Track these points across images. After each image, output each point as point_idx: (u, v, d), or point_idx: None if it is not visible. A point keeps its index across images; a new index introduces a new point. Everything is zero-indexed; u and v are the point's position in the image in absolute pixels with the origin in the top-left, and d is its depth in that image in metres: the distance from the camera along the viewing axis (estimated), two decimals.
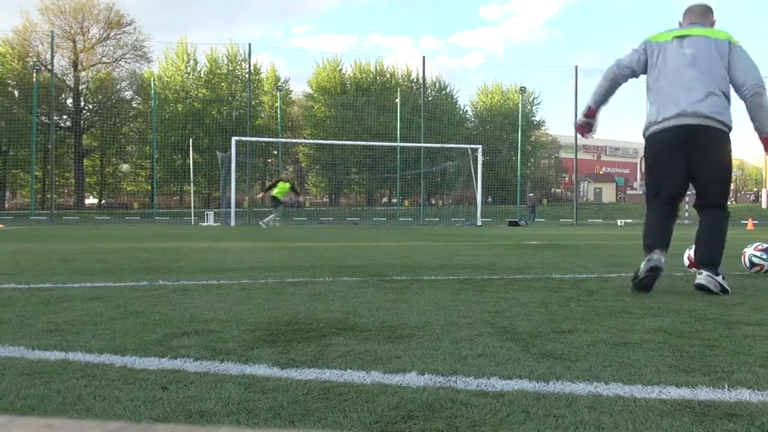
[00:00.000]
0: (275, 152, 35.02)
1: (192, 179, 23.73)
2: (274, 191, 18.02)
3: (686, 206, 24.73)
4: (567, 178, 53.18)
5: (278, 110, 31.68)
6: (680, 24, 3.83)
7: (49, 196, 28.80)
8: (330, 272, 4.48)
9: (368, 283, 3.84)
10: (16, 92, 33.28)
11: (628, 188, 58.22)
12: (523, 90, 31.45)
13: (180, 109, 35.73)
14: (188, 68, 37.51)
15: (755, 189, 53.62)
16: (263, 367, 1.76)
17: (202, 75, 37.47)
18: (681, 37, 3.63)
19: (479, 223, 22.45)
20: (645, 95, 3.81)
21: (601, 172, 62.06)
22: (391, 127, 32.44)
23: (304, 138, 37.43)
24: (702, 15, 3.75)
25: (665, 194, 3.66)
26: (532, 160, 44.38)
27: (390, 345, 2.06)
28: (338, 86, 39.33)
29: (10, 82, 33.61)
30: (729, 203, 3.71)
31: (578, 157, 29.57)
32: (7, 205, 36.22)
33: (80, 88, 37.35)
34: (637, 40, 3.87)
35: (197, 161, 28.66)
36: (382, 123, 34.94)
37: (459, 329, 2.35)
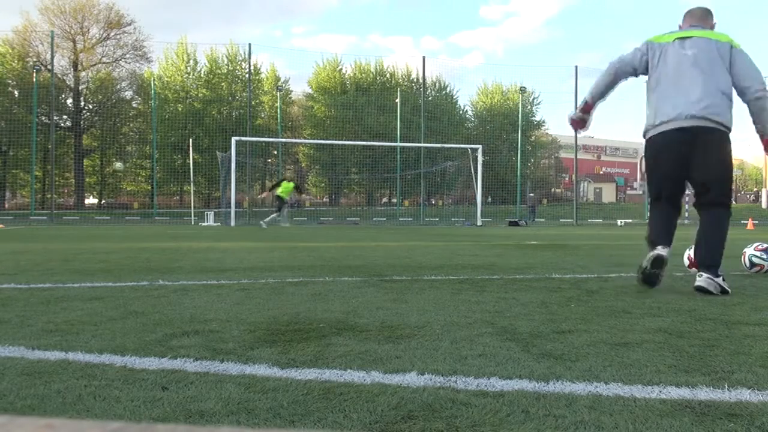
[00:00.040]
0: (275, 152, 35.02)
1: (192, 179, 23.74)
2: (278, 190, 17.99)
3: (686, 206, 24.75)
4: (567, 178, 53.18)
5: (278, 110, 31.68)
6: (680, 27, 3.84)
7: (49, 196, 28.80)
8: (330, 272, 4.48)
9: (368, 283, 3.84)
10: (16, 92, 33.28)
11: (628, 188, 58.22)
12: (523, 90, 31.46)
13: (180, 109, 35.73)
14: (188, 68, 37.51)
15: (755, 189, 53.64)
16: (263, 367, 1.76)
17: (202, 75, 37.47)
18: (682, 39, 3.65)
19: (479, 223, 22.46)
20: (645, 95, 3.83)
21: (601, 172, 62.07)
22: (391, 127, 32.45)
23: (304, 138, 37.44)
24: (702, 18, 3.78)
25: (666, 194, 3.72)
26: (532, 160, 44.38)
27: (390, 345, 2.06)
28: (338, 86, 39.33)
29: (10, 82, 33.61)
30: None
31: (578, 157, 29.58)
32: (7, 205, 36.22)
33: (80, 88, 37.36)
34: (637, 40, 3.90)
35: (197, 161, 28.67)
36: (382, 123, 34.95)
37: (459, 329, 2.35)
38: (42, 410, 1.39)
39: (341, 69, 40.51)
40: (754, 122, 3.61)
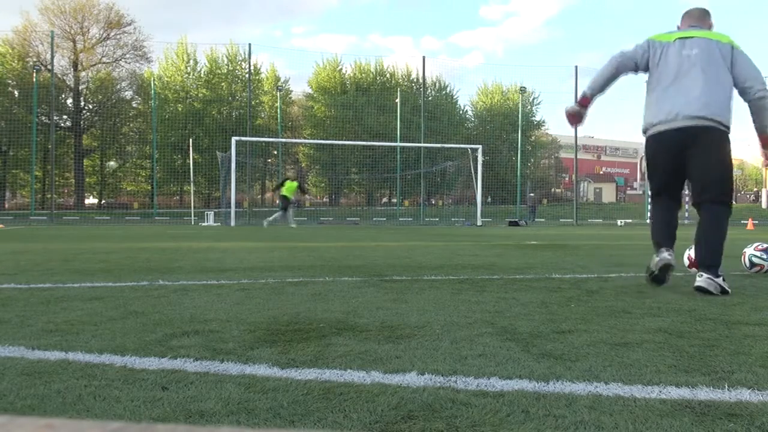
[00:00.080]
0: (275, 152, 35.02)
1: (192, 179, 23.74)
2: (283, 190, 17.98)
3: (686, 206, 24.74)
4: (567, 178, 53.19)
5: (278, 110, 31.68)
6: (678, 27, 3.89)
7: (49, 196, 28.80)
8: (330, 272, 4.48)
9: (368, 283, 3.84)
10: (16, 92, 33.28)
11: (628, 188, 58.23)
12: (523, 90, 31.46)
13: (180, 109, 35.74)
14: (188, 68, 37.52)
15: (755, 189, 53.64)
16: (263, 367, 1.76)
17: (202, 75, 37.47)
18: (683, 39, 3.69)
19: (479, 223, 22.46)
20: (645, 94, 3.85)
21: (601, 172, 62.07)
22: (391, 127, 32.45)
23: (304, 138, 37.44)
24: (700, 18, 3.84)
25: (666, 190, 3.83)
26: (532, 160, 44.38)
27: (390, 345, 2.06)
28: (338, 86, 39.33)
29: (10, 82, 33.61)
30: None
31: (578, 157, 29.58)
32: (7, 205, 36.22)
33: (80, 88, 37.36)
34: (637, 40, 3.91)
35: (197, 161, 28.68)
36: (382, 123, 34.95)
37: (459, 329, 2.35)
38: (42, 410, 1.39)
39: (341, 69, 40.52)
40: (754, 121, 3.67)
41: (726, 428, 1.30)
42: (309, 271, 4.61)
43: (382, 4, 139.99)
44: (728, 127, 3.58)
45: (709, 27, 3.82)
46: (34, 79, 26.54)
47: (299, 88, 60.52)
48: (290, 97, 40.24)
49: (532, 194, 31.42)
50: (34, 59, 33.62)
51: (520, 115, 31.26)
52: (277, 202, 18.42)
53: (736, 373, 1.72)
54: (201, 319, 2.54)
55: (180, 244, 8.49)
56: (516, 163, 32.29)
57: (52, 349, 1.96)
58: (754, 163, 60.43)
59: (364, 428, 1.28)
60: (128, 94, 38.58)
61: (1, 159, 32.71)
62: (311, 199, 40.95)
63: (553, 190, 48.28)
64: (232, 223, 19.83)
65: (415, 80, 40.01)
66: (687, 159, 3.61)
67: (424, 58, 28.95)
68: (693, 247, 4.28)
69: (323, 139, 33.95)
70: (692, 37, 3.67)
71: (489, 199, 33.67)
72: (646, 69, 3.80)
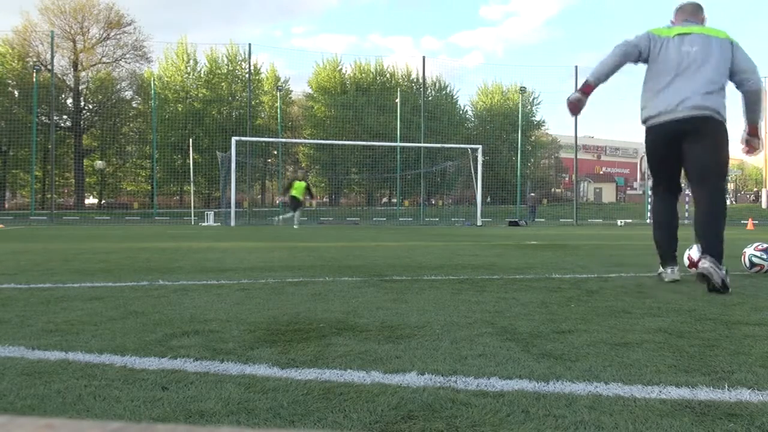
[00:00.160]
0: (275, 152, 35.02)
1: (192, 179, 23.73)
2: (291, 191, 17.98)
3: (686, 206, 24.73)
4: (567, 178, 53.18)
5: (278, 110, 31.68)
6: (672, 22, 4.04)
7: (49, 196, 28.80)
8: (330, 272, 4.48)
9: (368, 283, 3.84)
10: (16, 92, 33.28)
11: (628, 188, 58.22)
12: (523, 90, 31.45)
13: (180, 109, 35.74)
14: (188, 68, 37.52)
15: (755, 189, 53.62)
16: (263, 367, 1.76)
17: (202, 75, 37.47)
18: (682, 35, 3.82)
19: (479, 223, 22.45)
20: (642, 86, 3.98)
21: (601, 172, 62.06)
22: (391, 127, 32.45)
23: (304, 138, 37.44)
24: (693, 13, 3.97)
25: (666, 180, 4.04)
26: (532, 160, 44.38)
27: (390, 345, 2.06)
28: (338, 86, 39.33)
29: (10, 82, 33.61)
30: (729, 203, 3.85)
31: (578, 157, 29.56)
32: (7, 205, 36.22)
33: (80, 88, 37.36)
34: None
35: (197, 161, 28.67)
36: (382, 123, 34.95)
37: (459, 329, 2.35)
38: (42, 410, 1.39)
39: (341, 69, 40.52)
40: (747, 111, 3.88)
41: (726, 428, 1.30)
42: (309, 271, 4.61)
43: (382, 4, 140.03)
44: (724, 118, 3.75)
45: (702, 21, 3.96)
46: (34, 79, 26.54)
47: (299, 88, 60.60)
48: (290, 97, 40.24)
49: (532, 194, 31.43)
50: (34, 59, 33.62)
51: (520, 115, 31.26)
52: (277, 202, 18.37)
53: (736, 373, 1.72)
54: (201, 319, 2.54)
55: (180, 244, 8.49)
56: (516, 163, 32.28)
57: (52, 349, 1.96)
58: (754, 163, 60.43)
59: (364, 428, 1.28)
60: (128, 94, 38.62)
61: (1, 159, 32.71)
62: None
63: (553, 190, 48.28)
64: (232, 223, 19.83)
65: (415, 80, 40.02)
66: (686, 147, 3.77)
67: (424, 58, 28.97)
68: (692, 247, 4.39)
69: (323, 139, 33.94)
70: (691, 33, 3.79)
71: (489, 199, 33.66)
72: (646, 60, 3.92)
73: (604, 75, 3.93)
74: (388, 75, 41.14)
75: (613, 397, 1.49)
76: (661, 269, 4.12)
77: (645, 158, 4.20)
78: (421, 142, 27.61)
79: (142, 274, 4.32)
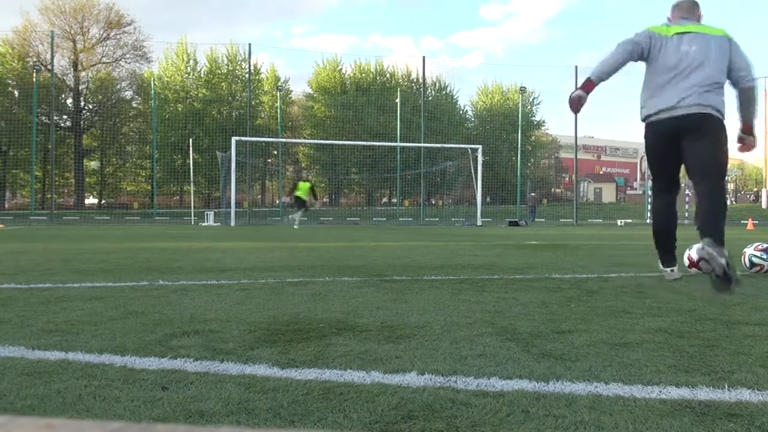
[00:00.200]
0: (275, 152, 35.02)
1: (192, 179, 23.73)
2: (297, 192, 17.99)
3: (686, 206, 24.72)
4: (567, 178, 53.17)
5: (278, 110, 31.68)
6: (669, 19, 4.10)
7: (49, 196, 28.80)
8: (330, 272, 4.48)
9: (368, 283, 3.84)
10: (16, 92, 33.27)
11: (628, 188, 58.20)
12: (523, 90, 31.44)
13: (180, 109, 35.73)
14: (188, 68, 37.50)
15: (755, 189, 53.61)
16: (263, 367, 1.76)
17: (202, 75, 37.45)
18: (681, 34, 3.87)
19: (479, 223, 22.45)
20: (642, 85, 4.00)
21: (601, 172, 62.04)
22: (391, 127, 32.44)
23: (304, 138, 37.43)
24: (689, 10, 4.01)
25: (666, 177, 4.08)
26: (532, 160, 44.37)
27: (390, 345, 2.06)
28: (338, 86, 39.31)
29: (10, 82, 33.60)
30: (729, 203, 3.87)
31: (578, 157, 29.57)
32: (7, 205, 36.21)
33: (80, 88, 37.35)
34: None
35: (197, 161, 28.67)
36: (382, 123, 34.93)
37: (459, 329, 2.35)
38: (42, 410, 1.39)
39: (341, 69, 40.51)
40: (741, 108, 3.91)
41: (726, 428, 1.30)
42: (309, 271, 4.61)
43: (382, 4, 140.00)
44: (724, 115, 3.80)
45: (698, 18, 4.00)
46: (34, 79, 26.54)
47: (299, 88, 60.55)
48: (290, 97, 40.22)
49: (532, 194, 31.41)
50: (34, 59, 33.61)
51: (520, 115, 31.25)
52: (277, 202, 18.38)
53: (736, 373, 1.72)
54: (201, 319, 2.54)
55: (180, 244, 8.49)
56: (516, 163, 32.27)
57: (52, 349, 1.96)
58: (754, 163, 60.45)
59: (364, 428, 1.28)
60: (128, 94, 38.61)
61: (1, 159, 32.70)
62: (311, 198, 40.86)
63: (553, 190, 48.26)
64: (232, 223, 19.83)
65: (415, 80, 40.00)
66: (685, 145, 3.80)
67: (424, 58, 28.98)
68: (692, 247, 4.43)
69: (323, 139, 33.93)
70: (690, 32, 3.83)
71: (488, 199, 33.66)
72: (646, 59, 3.96)
73: (606, 73, 3.94)
74: (388, 75, 41.13)
75: (613, 397, 1.49)
76: (661, 267, 4.17)
77: (645, 157, 4.23)
78: (421, 142, 27.61)
79: (142, 274, 4.32)
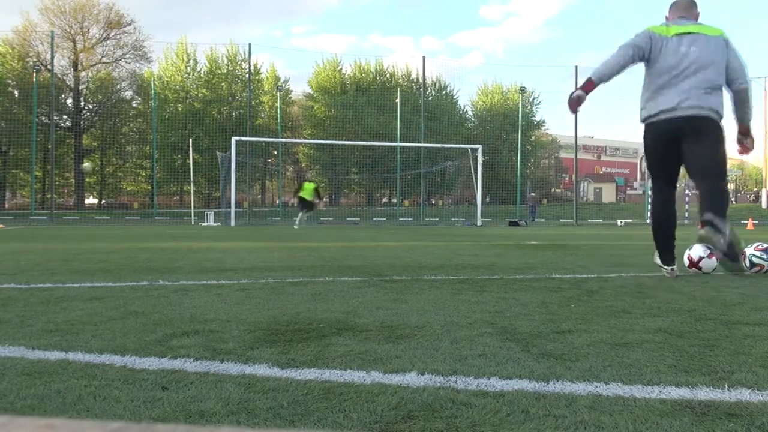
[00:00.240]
0: (275, 152, 35.02)
1: (192, 179, 23.73)
2: (301, 192, 17.98)
3: (686, 206, 24.72)
4: (567, 178, 53.18)
5: (278, 110, 31.69)
6: (667, 18, 4.13)
7: (49, 196, 28.80)
8: (330, 272, 4.48)
9: (368, 283, 3.84)
10: (16, 92, 33.27)
11: (628, 188, 58.19)
12: (523, 90, 31.45)
13: (180, 109, 35.73)
14: (188, 68, 37.51)
15: (755, 189, 53.60)
16: (263, 367, 1.76)
17: (202, 75, 37.46)
18: (681, 35, 3.90)
19: (479, 223, 22.45)
20: (642, 85, 4.01)
21: (601, 172, 62.04)
22: (391, 127, 32.44)
23: (304, 138, 37.43)
24: (687, 8, 4.05)
25: (665, 177, 4.12)
26: (532, 160, 44.37)
27: (390, 345, 2.06)
28: (338, 86, 39.32)
29: (10, 82, 33.60)
30: (730, 202, 3.91)
31: (578, 157, 29.57)
32: (7, 205, 36.21)
33: (80, 88, 37.36)
34: None
35: (197, 161, 28.66)
36: (382, 123, 34.94)
37: (459, 329, 2.35)
38: (42, 410, 1.39)
39: (341, 69, 40.51)
40: (736, 110, 3.96)
41: (726, 428, 1.30)
42: (309, 271, 4.61)
43: (382, 4, 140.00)
44: (722, 116, 3.86)
45: (696, 17, 4.04)
46: (34, 79, 26.54)
47: (299, 88, 60.55)
48: (290, 97, 40.23)
49: (532, 194, 31.41)
50: (34, 59, 33.62)
51: (520, 115, 31.25)
52: (276, 202, 18.39)
53: (736, 373, 1.72)
54: (201, 319, 2.54)
55: (180, 244, 8.49)
56: (516, 163, 32.27)
57: (52, 349, 1.96)
58: (754, 163, 60.45)
59: (364, 428, 1.28)
60: (128, 94, 38.63)
61: (1, 159, 32.70)
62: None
63: (553, 190, 48.26)
64: (232, 223, 19.83)
65: (415, 80, 40.00)
66: (685, 147, 3.84)
67: (424, 58, 28.98)
68: (692, 247, 4.45)
69: (323, 139, 33.94)
70: (690, 33, 3.86)
71: (488, 199, 33.65)
72: (647, 60, 3.99)
73: (607, 75, 3.96)
74: (388, 75, 41.13)
75: (613, 397, 1.49)
76: (658, 262, 4.24)
77: (644, 158, 4.27)
78: (421, 142, 27.61)
79: (142, 274, 4.32)
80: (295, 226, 17.17)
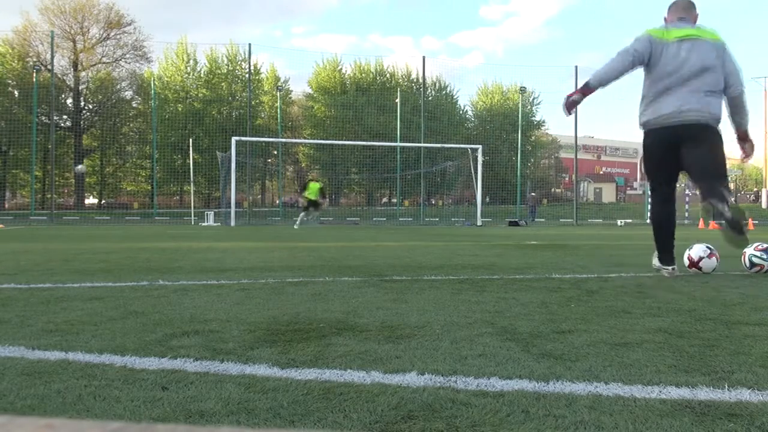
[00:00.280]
0: (275, 152, 35.02)
1: (192, 179, 23.73)
2: (307, 192, 17.96)
3: (686, 206, 24.72)
4: (567, 178, 53.17)
5: (278, 110, 31.68)
6: (665, 19, 4.11)
7: (49, 196, 28.80)
8: (330, 272, 4.48)
9: (368, 283, 3.84)
10: (16, 92, 33.27)
11: (628, 188, 58.20)
12: (523, 90, 31.44)
13: (180, 109, 35.73)
14: (188, 68, 37.51)
15: (755, 189, 53.60)
16: (263, 367, 1.76)
17: (202, 75, 37.47)
18: (680, 40, 3.92)
19: (479, 223, 22.45)
20: (642, 90, 4.01)
21: (601, 172, 62.05)
22: (391, 127, 32.44)
23: (304, 138, 37.43)
24: (686, 10, 4.07)
25: (664, 181, 4.17)
26: (532, 160, 44.37)
27: (390, 345, 2.06)
28: (338, 86, 39.32)
29: (10, 82, 33.61)
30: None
31: (578, 157, 29.56)
32: (7, 205, 36.21)
33: (80, 88, 37.36)
34: None
35: (197, 161, 28.66)
36: (382, 123, 34.93)
37: (459, 329, 2.35)
38: (42, 410, 1.39)
39: (341, 69, 40.51)
40: (732, 115, 4.01)
41: (726, 428, 1.30)
42: (309, 271, 4.61)
43: (382, 4, 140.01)
44: (720, 121, 3.91)
45: (695, 18, 4.05)
46: (34, 79, 26.53)
47: (299, 88, 60.54)
48: (290, 97, 40.23)
49: (532, 194, 31.42)
50: (34, 59, 33.62)
51: (520, 115, 31.25)
52: (276, 202, 18.37)
53: (736, 373, 1.72)
54: (201, 319, 2.54)
55: (180, 244, 8.49)
56: (516, 163, 32.27)
57: (52, 349, 1.96)
58: (754, 163, 60.44)
59: (364, 428, 1.28)
60: (128, 94, 38.63)
61: (1, 159, 32.70)
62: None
63: (553, 190, 48.26)
64: (232, 223, 19.83)
65: (415, 80, 39.99)
66: (685, 152, 3.87)
67: (424, 58, 28.97)
68: (692, 247, 4.47)
69: (323, 139, 33.93)
70: (689, 38, 3.88)
71: (488, 199, 33.65)
72: (647, 64, 4.01)
73: (606, 81, 3.97)
74: (388, 75, 41.13)
75: (613, 397, 1.49)
76: (657, 263, 4.28)
77: (643, 152, 4.30)
78: (421, 142, 27.61)
79: (142, 274, 4.32)
80: (295, 227, 17.16)
